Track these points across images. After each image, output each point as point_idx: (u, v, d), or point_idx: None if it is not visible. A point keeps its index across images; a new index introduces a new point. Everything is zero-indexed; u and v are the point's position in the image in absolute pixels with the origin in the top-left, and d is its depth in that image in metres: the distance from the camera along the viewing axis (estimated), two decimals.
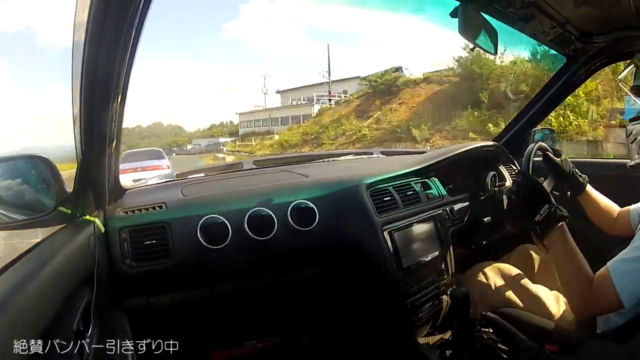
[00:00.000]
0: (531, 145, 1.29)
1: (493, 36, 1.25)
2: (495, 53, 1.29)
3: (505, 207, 1.22)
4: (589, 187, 1.32)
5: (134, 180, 1.71)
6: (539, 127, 1.87)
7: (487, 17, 1.23)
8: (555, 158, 1.31)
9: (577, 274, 1.00)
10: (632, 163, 1.24)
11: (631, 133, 1.23)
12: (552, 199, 1.07)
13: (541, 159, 1.38)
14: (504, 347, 1.18)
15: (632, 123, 1.24)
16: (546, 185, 1.28)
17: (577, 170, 1.32)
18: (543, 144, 1.35)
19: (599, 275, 0.96)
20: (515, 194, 1.14)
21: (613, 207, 1.31)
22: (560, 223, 1.04)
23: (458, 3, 1.13)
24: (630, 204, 1.25)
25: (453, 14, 1.14)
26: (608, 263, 0.96)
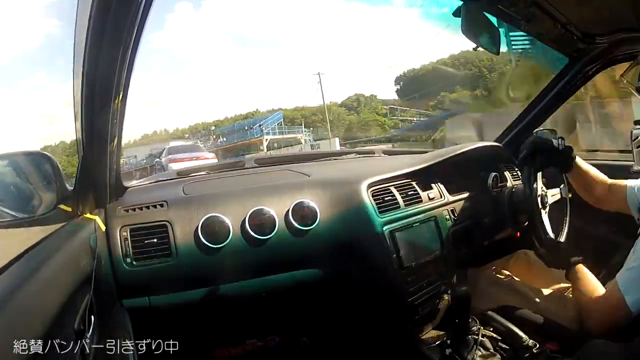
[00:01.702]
0: (528, 140, 1.29)
1: (496, 36, 1.25)
2: (498, 53, 1.29)
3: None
4: (578, 160, 1.30)
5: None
6: (541, 128, 1.87)
7: (489, 16, 1.22)
8: (543, 137, 1.31)
9: (591, 295, 1.05)
10: (638, 168, 1.23)
11: (637, 137, 1.22)
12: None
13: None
14: (504, 346, 1.18)
15: (638, 127, 1.22)
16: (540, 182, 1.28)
17: (567, 145, 1.30)
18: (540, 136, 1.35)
19: (609, 287, 1.00)
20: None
21: (603, 180, 1.29)
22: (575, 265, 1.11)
23: (461, 2, 1.13)
24: None
25: (456, 14, 1.14)
26: (617, 276, 0.99)
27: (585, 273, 1.10)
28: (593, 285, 1.06)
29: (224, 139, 31.99)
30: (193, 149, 14.18)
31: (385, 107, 34.14)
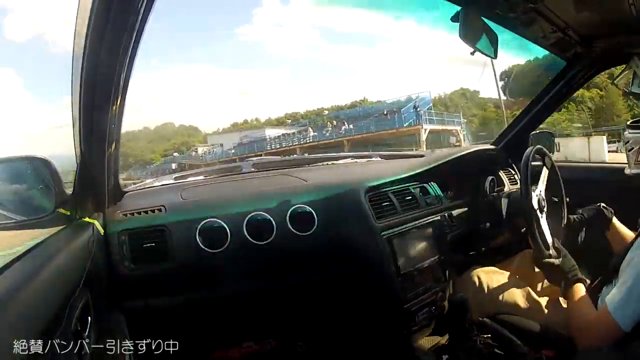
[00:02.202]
0: (529, 149, 1.29)
1: (493, 40, 1.26)
2: (496, 57, 1.29)
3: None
4: (614, 220, 1.32)
5: None
6: (537, 131, 1.88)
7: (487, 21, 1.23)
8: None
9: (583, 316, 1.06)
10: (630, 172, 1.23)
11: (628, 141, 1.23)
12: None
13: (540, 163, 1.38)
14: (500, 353, 1.18)
15: (630, 131, 1.23)
16: (541, 185, 1.30)
17: (605, 206, 1.32)
18: (540, 147, 1.35)
19: (599, 309, 1.01)
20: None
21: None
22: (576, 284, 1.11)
23: (459, 7, 1.13)
24: (629, 209, 1.24)
25: (454, 19, 1.15)
26: (606, 299, 0.99)
27: (580, 293, 1.10)
28: (586, 307, 1.06)
29: (351, 127, 25.10)
30: None
31: (491, 104, 29.74)
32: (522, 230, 1.44)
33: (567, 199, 1.40)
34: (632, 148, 1.21)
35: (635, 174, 1.21)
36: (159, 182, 1.63)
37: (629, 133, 1.22)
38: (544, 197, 1.34)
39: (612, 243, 1.33)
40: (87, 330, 0.81)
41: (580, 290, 1.10)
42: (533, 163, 1.31)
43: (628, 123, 1.25)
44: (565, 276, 1.13)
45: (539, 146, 1.38)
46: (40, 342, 0.60)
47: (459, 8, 1.13)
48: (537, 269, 1.44)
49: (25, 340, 0.56)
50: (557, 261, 1.16)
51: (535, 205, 1.26)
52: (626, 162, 1.28)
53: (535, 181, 1.34)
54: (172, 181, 1.61)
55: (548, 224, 1.29)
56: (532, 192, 1.27)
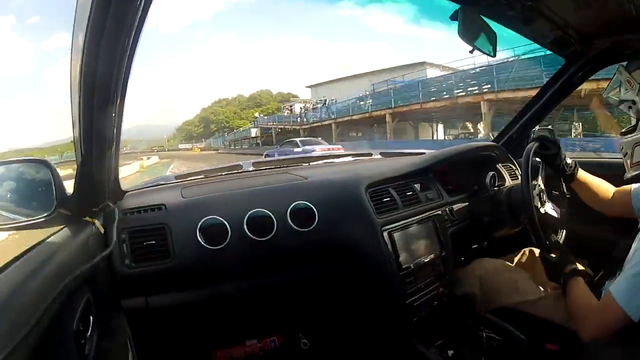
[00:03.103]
0: (530, 144, 1.30)
1: (492, 39, 1.26)
2: (494, 55, 1.30)
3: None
4: (580, 172, 1.33)
5: None
6: (537, 128, 1.88)
7: (486, 19, 1.23)
8: (547, 150, 1.32)
9: (585, 307, 1.05)
10: (628, 176, 1.24)
11: (622, 147, 1.23)
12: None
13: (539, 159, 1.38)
14: (504, 347, 1.19)
15: (623, 137, 1.23)
16: (540, 179, 1.30)
17: (567, 160, 1.32)
18: (541, 134, 1.36)
19: (604, 299, 1.00)
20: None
21: (607, 188, 1.32)
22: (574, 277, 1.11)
23: (458, 6, 1.13)
24: None
25: (453, 17, 1.15)
26: (610, 287, 0.99)
27: (578, 286, 1.10)
28: (587, 297, 1.07)
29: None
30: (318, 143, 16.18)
31: None
32: (523, 224, 1.45)
33: (567, 193, 1.41)
34: (627, 153, 1.21)
35: (633, 177, 1.22)
36: (159, 181, 1.63)
37: (622, 140, 1.23)
38: (545, 191, 1.34)
39: (583, 197, 1.36)
40: (89, 329, 0.81)
41: (578, 283, 1.10)
42: (534, 158, 1.31)
43: (622, 131, 1.26)
44: (563, 272, 1.14)
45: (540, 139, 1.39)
46: (40, 342, 0.60)
47: (457, 6, 1.14)
48: (538, 263, 1.45)
49: (25, 341, 0.57)
50: (553, 257, 1.17)
51: (536, 199, 1.27)
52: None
53: (536, 176, 1.35)
54: (172, 180, 1.62)
55: (548, 218, 1.29)
56: (533, 186, 1.28)
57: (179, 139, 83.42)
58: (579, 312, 1.06)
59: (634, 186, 1.23)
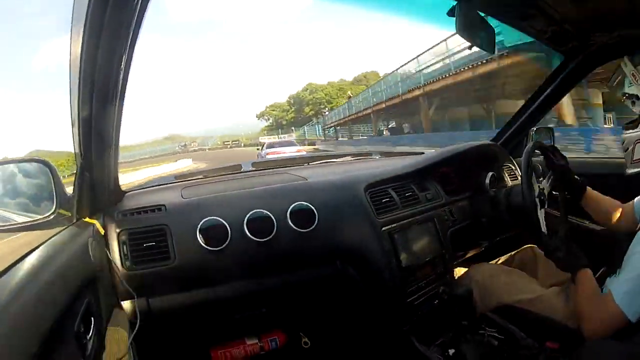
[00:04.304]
0: (529, 145, 1.29)
1: (491, 34, 1.26)
2: (493, 52, 1.29)
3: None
4: (588, 190, 1.32)
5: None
6: (537, 126, 1.88)
7: (484, 15, 1.23)
8: (557, 162, 1.31)
9: (587, 300, 1.05)
10: (629, 172, 1.23)
11: (624, 142, 1.23)
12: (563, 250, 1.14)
13: (541, 157, 1.38)
14: (504, 345, 1.18)
15: (625, 132, 1.23)
16: (544, 185, 1.29)
17: (576, 176, 1.32)
18: (541, 142, 1.35)
19: (603, 298, 1.00)
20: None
21: (615, 205, 1.30)
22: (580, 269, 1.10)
23: (455, 2, 1.13)
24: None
25: (450, 13, 1.15)
26: (609, 285, 0.99)
27: (585, 279, 1.09)
28: (592, 294, 1.06)
29: None
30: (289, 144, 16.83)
31: None
32: (523, 224, 1.45)
33: (567, 194, 1.40)
34: (627, 148, 1.21)
35: (633, 173, 1.21)
36: (159, 182, 1.63)
37: (624, 134, 1.22)
38: (544, 192, 1.34)
39: (591, 213, 1.34)
40: (90, 330, 0.81)
41: (586, 276, 1.10)
42: (533, 158, 1.31)
43: (625, 124, 1.25)
44: (573, 263, 1.13)
45: (538, 141, 1.39)
46: (41, 343, 0.60)
47: (454, 2, 1.14)
48: (538, 262, 1.45)
49: (26, 342, 0.56)
50: (560, 254, 1.16)
51: (536, 200, 1.26)
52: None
53: (536, 176, 1.35)
54: (172, 180, 1.62)
55: (549, 218, 1.29)
56: (533, 187, 1.28)
57: (264, 130, 66.47)
58: (584, 308, 1.06)
59: (637, 199, 1.22)
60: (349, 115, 31.12)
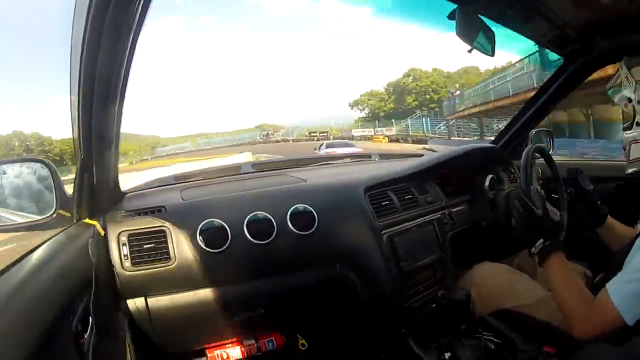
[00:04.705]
0: (528, 147, 1.29)
1: (491, 38, 1.26)
2: (493, 55, 1.29)
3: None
4: (610, 218, 1.31)
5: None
6: (536, 129, 1.88)
7: (484, 19, 1.23)
8: (587, 187, 1.30)
9: (576, 299, 1.04)
10: (629, 171, 1.23)
11: (623, 142, 1.23)
12: (549, 231, 1.14)
13: (540, 159, 1.38)
14: (501, 349, 1.18)
15: (625, 132, 1.23)
16: (562, 216, 1.27)
17: (599, 202, 1.30)
18: (540, 145, 1.35)
19: (600, 299, 0.98)
20: (515, 220, 1.18)
21: (630, 234, 1.22)
22: (555, 254, 1.09)
23: (455, 5, 1.13)
24: (630, 207, 1.24)
25: (450, 17, 1.15)
26: (607, 286, 0.97)
27: (559, 269, 1.08)
28: (580, 290, 1.05)
29: None
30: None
31: None
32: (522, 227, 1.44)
33: (567, 197, 1.40)
34: (625, 148, 1.21)
35: (632, 173, 1.21)
36: (159, 183, 1.63)
37: (625, 134, 1.23)
38: (544, 195, 1.33)
39: (607, 241, 1.32)
40: (88, 331, 0.81)
41: (561, 262, 1.09)
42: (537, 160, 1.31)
43: (623, 126, 1.25)
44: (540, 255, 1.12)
45: (537, 144, 1.38)
46: (40, 342, 0.60)
47: (455, 6, 1.14)
48: (538, 267, 1.44)
49: (25, 341, 0.57)
50: (539, 212, 1.14)
51: (536, 201, 1.26)
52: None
53: (535, 178, 1.34)
54: (172, 182, 1.62)
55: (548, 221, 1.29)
56: (532, 189, 1.27)
57: (358, 122, 55.44)
58: (574, 307, 1.04)
59: None
60: (486, 102, 21.43)
